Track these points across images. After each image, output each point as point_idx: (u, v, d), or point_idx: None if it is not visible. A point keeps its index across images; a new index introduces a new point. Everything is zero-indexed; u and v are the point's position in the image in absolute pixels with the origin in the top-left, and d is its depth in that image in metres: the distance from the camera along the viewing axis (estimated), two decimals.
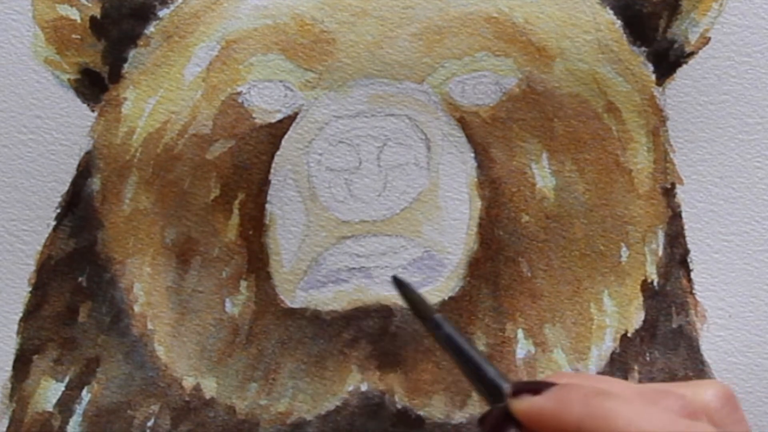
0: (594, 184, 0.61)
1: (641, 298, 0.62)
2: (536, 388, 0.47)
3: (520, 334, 0.61)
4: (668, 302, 0.62)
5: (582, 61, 0.61)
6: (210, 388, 0.61)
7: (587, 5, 0.61)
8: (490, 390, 0.49)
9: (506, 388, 0.48)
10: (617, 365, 0.61)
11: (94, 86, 0.61)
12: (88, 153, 0.61)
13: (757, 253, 0.62)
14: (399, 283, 0.53)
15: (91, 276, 0.61)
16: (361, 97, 0.60)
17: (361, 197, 0.60)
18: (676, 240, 0.62)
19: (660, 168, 0.62)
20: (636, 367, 0.62)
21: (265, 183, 0.60)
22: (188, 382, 0.61)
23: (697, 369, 0.62)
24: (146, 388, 0.61)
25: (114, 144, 0.61)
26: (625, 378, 0.61)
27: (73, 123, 0.61)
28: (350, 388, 0.61)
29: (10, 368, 0.61)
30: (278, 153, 0.60)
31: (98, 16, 0.61)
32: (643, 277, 0.62)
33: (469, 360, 0.50)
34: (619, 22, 0.61)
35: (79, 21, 0.61)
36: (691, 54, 0.62)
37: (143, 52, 0.61)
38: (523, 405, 0.46)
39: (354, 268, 0.60)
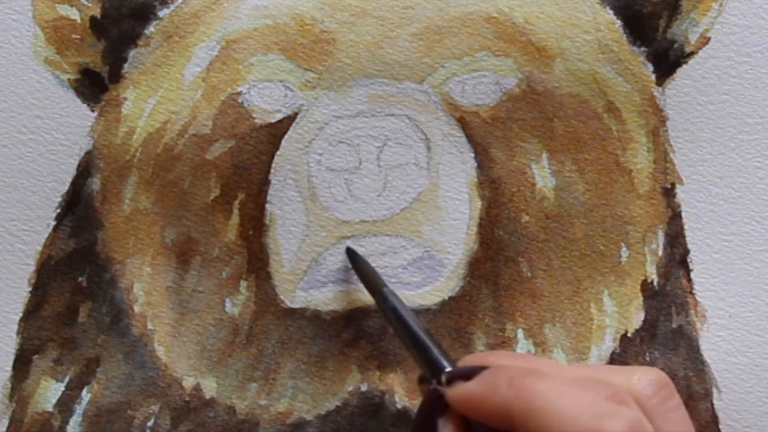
0: (594, 184, 0.61)
1: (641, 298, 0.62)
2: (469, 373, 0.47)
3: (520, 334, 0.61)
4: (668, 302, 0.62)
5: (582, 61, 0.61)
6: (210, 388, 0.61)
7: (587, 5, 0.61)
8: (432, 369, 0.49)
9: (447, 371, 0.48)
10: (617, 365, 0.61)
11: (94, 86, 0.61)
12: (88, 153, 0.61)
13: (757, 253, 0.62)
14: (351, 255, 0.55)
15: (91, 276, 0.61)
16: (361, 97, 0.60)
17: (361, 197, 0.60)
18: (676, 240, 0.62)
19: (660, 168, 0.62)
20: None
21: (265, 183, 0.60)
22: (188, 382, 0.61)
23: (697, 369, 0.62)
24: (146, 388, 0.61)
25: (114, 144, 0.61)
26: None
27: (73, 123, 0.61)
28: (350, 388, 0.61)
29: (10, 368, 0.61)
30: (278, 153, 0.60)
31: (98, 16, 0.61)
32: (643, 277, 0.62)
33: (413, 336, 0.51)
34: (619, 22, 0.61)
35: (79, 21, 0.61)
36: (691, 54, 0.62)
37: (143, 52, 0.61)
38: (455, 392, 0.47)
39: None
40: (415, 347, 0.51)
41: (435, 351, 0.50)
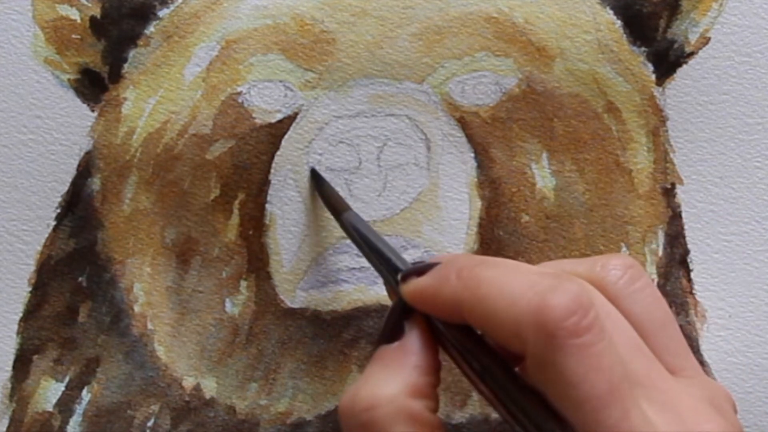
0: (594, 184, 0.61)
1: None
2: (422, 270, 0.46)
3: None
4: (668, 302, 0.62)
5: (582, 61, 0.61)
6: (210, 388, 0.61)
7: (587, 5, 0.61)
8: (392, 274, 0.49)
9: (403, 270, 0.48)
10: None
11: (94, 86, 0.61)
12: (88, 153, 0.61)
13: (757, 253, 0.62)
14: (315, 177, 0.56)
15: (91, 276, 0.61)
16: (361, 97, 0.60)
17: (361, 197, 0.60)
18: (676, 240, 0.62)
19: (660, 168, 0.62)
20: None
21: (265, 183, 0.60)
22: (188, 382, 0.61)
23: None
24: (146, 388, 0.61)
25: (114, 144, 0.61)
26: None
27: (73, 123, 0.61)
28: None
29: (10, 368, 0.61)
30: (278, 153, 0.60)
31: (98, 16, 0.61)
32: None
33: (372, 247, 0.51)
34: (619, 22, 0.61)
35: (79, 21, 0.61)
36: (691, 54, 0.62)
37: (143, 52, 0.61)
38: (409, 287, 0.46)
39: (354, 268, 0.60)
40: (376, 257, 0.51)
41: (393, 257, 0.49)
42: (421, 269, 0.46)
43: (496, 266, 0.44)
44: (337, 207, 0.56)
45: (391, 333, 0.46)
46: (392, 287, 0.49)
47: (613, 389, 0.40)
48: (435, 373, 0.45)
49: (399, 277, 0.47)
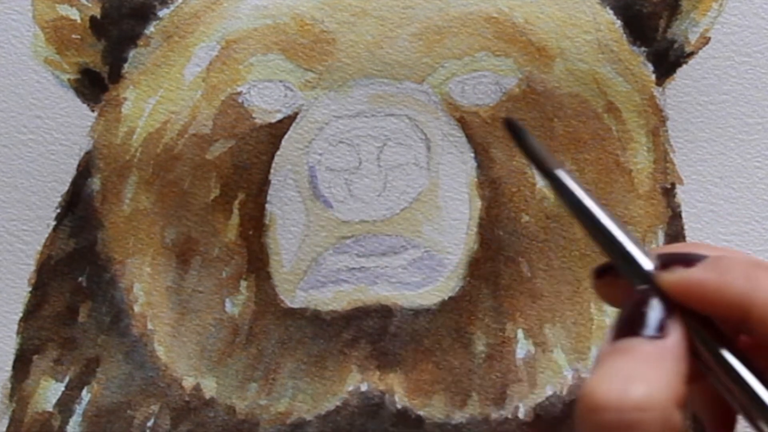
0: (594, 184, 0.61)
1: None
2: (687, 259, 0.40)
3: (520, 334, 0.61)
4: None
5: (582, 61, 0.61)
6: (210, 388, 0.61)
7: (587, 5, 0.61)
8: (631, 265, 0.41)
9: (660, 253, 0.41)
10: None
11: (94, 86, 0.61)
12: (88, 153, 0.61)
13: (757, 253, 0.62)
14: (516, 131, 0.43)
15: (91, 276, 0.61)
16: (361, 97, 0.60)
17: (361, 197, 0.60)
18: (676, 240, 0.62)
19: (660, 168, 0.62)
20: None
21: (265, 183, 0.60)
22: (188, 382, 0.61)
23: None
24: (146, 388, 0.61)
25: (114, 144, 0.61)
26: None
27: (73, 123, 0.61)
28: (350, 388, 0.61)
29: (10, 368, 0.61)
30: (278, 153, 0.60)
31: (98, 16, 0.61)
32: None
33: (600, 227, 0.41)
34: (619, 22, 0.61)
35: (79, 21, 0.61)
36: (691, 54, 0.62)
37: (143, 52, 0.61)
38: (677, 278, 0.40)
39: (354, 268, 0.60)
40: (598, 228, 0.41)
41: (624, 232, 0.41)
42: (685, 259, 0.40)
43: None
44: (545, 165, 0.43)
45: (641, 324, 0.39)
46: (629, 276, 0.41)
47: None
48: (688, 383, 0.40)
49: (654, 258, 0.40)
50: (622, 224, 0.42)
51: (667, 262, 0.40)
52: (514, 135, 0.44)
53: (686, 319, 0.39)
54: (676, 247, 0.45)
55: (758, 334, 0.39)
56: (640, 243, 0.42)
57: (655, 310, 0.39)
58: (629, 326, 0.39)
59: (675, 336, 0.39)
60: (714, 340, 0.39)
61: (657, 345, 0.39)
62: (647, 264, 0.40)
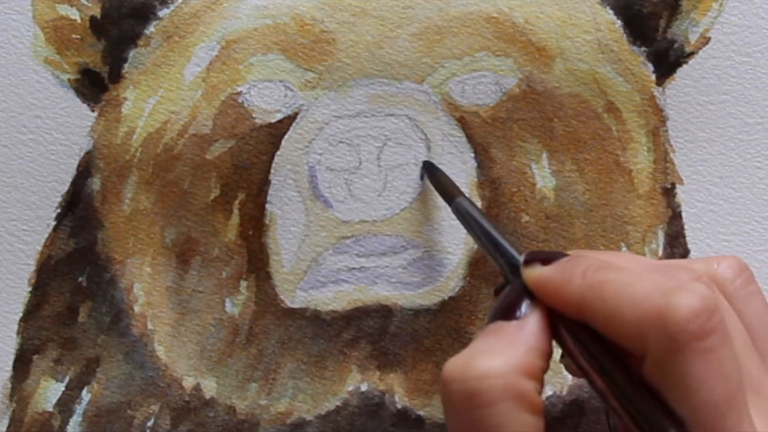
0: (594, 184, 0.61)
1: None
2: (547, 258, 0.46)
3: None
4: None
5: (582, 61, 0.61)
6: (210, 388, 0.61)
7: (587, 5, 0.61)
8: (508, 264, 0.49)
9: (528, 251, 0.48)
10: None
11: (94, 86, 0.61)
12: (88, 153, 0.61)
13: (757, 253, 0.62)
14: (428, 167, 0.57)
15: (91, 276, 0.61)
16: (361, 97, 0.60)
17: (361, 197, 0.60)
18: (676, 240, 0.62)
19: (660, 168, 0.62)
20: None
21: (265, 183, 0.60)
22: (188, 382, 0.61)
23: None
24: (146, 388, 0.61)
25: (114, 144, 0.61)
26: None
27: (73, 123, 0.61)
28: (350, 388, 0.61)
29: (10, 368, 0.61)
30: (278, 153, 0.60)
31: (98, 16, 0.61)
32: None
33: (488, 236, 0.51)
34: (619, 22, 0.61)
35: (79, 21, 0.61)
36: (691, 54, 0.62)
37: (143, 52, 0.61)
38: (532, 273, 0.46)
39: (354, 268, 0.60)
40: (490, 243, 0.51)
41: (507, 245, 0.50)
42: (545, 257, 0.46)
43: (620, 269, 0.44)
44: (450, 193, 0.56)
45: (507, 310, 0.46)
46: (506, 273, 0.49)
47: (731, 398, 0.40)
48: (547, 359, 0.45)
49: (523, 257, 0.47)
50: (505, 234, 0.51)
51: (531, 259, 0.47)
52: (428, 171, 0.59)
53: (549, 308, 0.46)
54: (584, 252, 0.49)
55: (597, 328, 0.44)
56: (516, 247, 0.49)
57: (511, 296, 0.46)
58: (499, 313, 0.46)
59: (533, 319, 0.45)
60: (570, 327, 0.45)
61: (514, 325, 0.45)
62: (518, 262, 0.48)
